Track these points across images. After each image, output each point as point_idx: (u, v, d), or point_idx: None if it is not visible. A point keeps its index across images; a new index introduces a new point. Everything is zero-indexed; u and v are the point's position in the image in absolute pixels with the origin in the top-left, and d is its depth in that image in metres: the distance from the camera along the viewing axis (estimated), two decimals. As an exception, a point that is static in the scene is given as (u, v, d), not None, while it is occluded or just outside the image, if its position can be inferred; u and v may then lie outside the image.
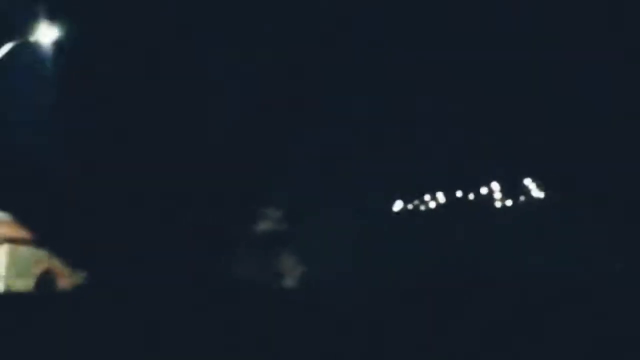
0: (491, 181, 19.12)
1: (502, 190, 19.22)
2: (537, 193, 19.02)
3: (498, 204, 19.32)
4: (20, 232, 13.89)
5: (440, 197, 19.38)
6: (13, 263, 15.18)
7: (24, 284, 14.41)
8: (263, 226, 14.23)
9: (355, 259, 16.59)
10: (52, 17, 5.49)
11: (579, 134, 15.07)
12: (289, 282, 17.01)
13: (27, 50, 5.55)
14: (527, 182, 19.22)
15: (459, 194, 19.37)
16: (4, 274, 15.01)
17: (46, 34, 5.53)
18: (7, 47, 5.47)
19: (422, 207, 19.44)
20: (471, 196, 19.35)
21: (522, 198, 19.24)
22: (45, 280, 14.47)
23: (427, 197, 19.74)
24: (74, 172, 5.29)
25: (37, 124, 6.16)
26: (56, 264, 13.41)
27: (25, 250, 14.43)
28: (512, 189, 19.24)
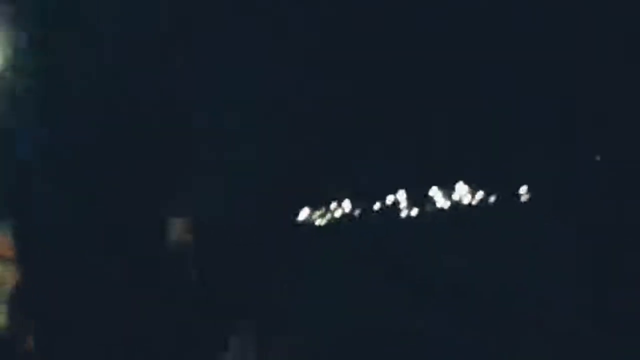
0: (397, 190, 18.99)
1: (408, 200, 19.11)
2: (442, 202, 18.96)
3: (403, 214, 19.20)
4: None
5: (347, 205, 19.18)
6: None
7: None
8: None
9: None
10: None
11: (486, 137, 14.95)
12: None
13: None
14: (433, 191, 19.16)
15: (364, 203, 19.19)
16: None
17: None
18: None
19: (328, 216, 19.22)
20: (377, 205, 19.18)
21: (427, 208, 19.16)
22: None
23: (333, 206, 19.52)
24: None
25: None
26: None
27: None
28: (418, 198, 19.16)
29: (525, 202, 15.83)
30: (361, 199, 18.86)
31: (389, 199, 18.94)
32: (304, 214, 18.94)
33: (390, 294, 16.09)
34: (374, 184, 18.25)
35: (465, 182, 18.27)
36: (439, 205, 19.01)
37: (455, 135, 15.84)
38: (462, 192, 18.43)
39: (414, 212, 19.20)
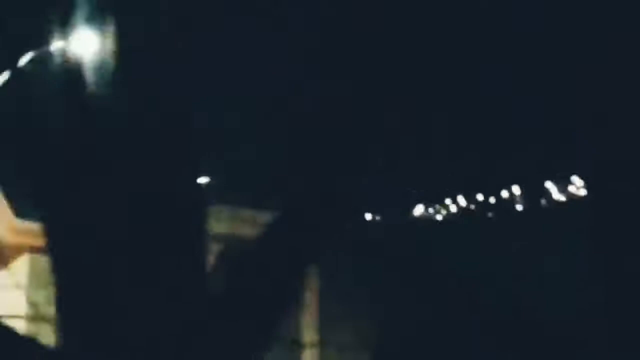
0: (512, 184, 18.94)
1: (523, 194, 19.03)
2: (558, 196, 18.84)
3: (519, 207, 19.13)
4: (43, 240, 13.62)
5: (461, 200, 19.20)
6: (34, 273, 15.01)
7: (46, 295, 14.26)
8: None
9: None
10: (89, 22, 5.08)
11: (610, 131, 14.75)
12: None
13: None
14: (549, 185, 19.04)
15: (479, 197, 19.19)
16: (25, 284, 14.85)
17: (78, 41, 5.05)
18: (28, 55, 5.19)
19: (443, 211, 19.28)
20: (492, 200, 19.17)
21: (543, 202, 19.05)
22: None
23: (447, 201, 19.56)
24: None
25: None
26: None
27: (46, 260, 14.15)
28: (534, 192, 19.07)
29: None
30: (476, 194, 18.89)
31: (504, 193, 18.92)
32: (418, 209, 19.16)
33: (508, 285, 16.06)
34: (488, 179, 18.28)
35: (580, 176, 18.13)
36: (555, 198, 18.91)
37: (572, 127, 15.68)
38: (578, 185, 18.30)
39: (529, 205, 19.13)
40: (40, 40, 4.96)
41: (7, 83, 5.09)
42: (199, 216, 4.93)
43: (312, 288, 16.47)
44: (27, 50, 5.01)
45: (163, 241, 4.72)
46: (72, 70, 4.85)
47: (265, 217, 10.44)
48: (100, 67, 4.87)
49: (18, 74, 5.05)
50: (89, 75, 4.86)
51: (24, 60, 5.05)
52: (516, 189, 18.97)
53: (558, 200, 18.51)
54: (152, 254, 4.68)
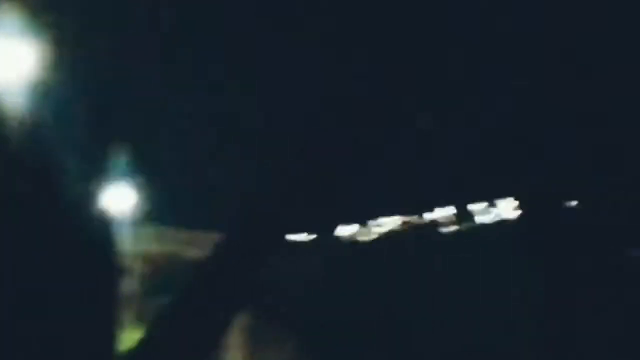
0: (441, 205, 18.89)
1: (451, 215, 18.99)
2: (484, 218, 18.84)
3: (446, 229, 19.07)
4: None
5: (387, 221, 19.07)
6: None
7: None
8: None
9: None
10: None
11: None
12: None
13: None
14: (475, 206, 19.03)
15: (406, 218, 19.10)
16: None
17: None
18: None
19: (372, 231, 19.14)
20: (419, 219, 19.10)
21: (470, 223, 19.02)
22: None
23: (371, 222, 19.41)
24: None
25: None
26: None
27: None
28: (461, 213, 19.03)
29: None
30: (410, 215, 18.81)
31: (432, 215, 18.85)
32: (349, 230, 18.90)
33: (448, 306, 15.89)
34: (424, 199, 18.18)
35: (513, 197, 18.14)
36: (479, 221, 18.89)
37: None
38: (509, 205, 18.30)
39: (455, 228, 19.09)
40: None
41: None
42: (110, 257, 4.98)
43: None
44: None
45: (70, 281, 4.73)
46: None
47: (209, 237, 10.03)
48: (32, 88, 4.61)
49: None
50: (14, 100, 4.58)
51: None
52: (444, 210, 18.96)
53: (492, 221, 18.53)
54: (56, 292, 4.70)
